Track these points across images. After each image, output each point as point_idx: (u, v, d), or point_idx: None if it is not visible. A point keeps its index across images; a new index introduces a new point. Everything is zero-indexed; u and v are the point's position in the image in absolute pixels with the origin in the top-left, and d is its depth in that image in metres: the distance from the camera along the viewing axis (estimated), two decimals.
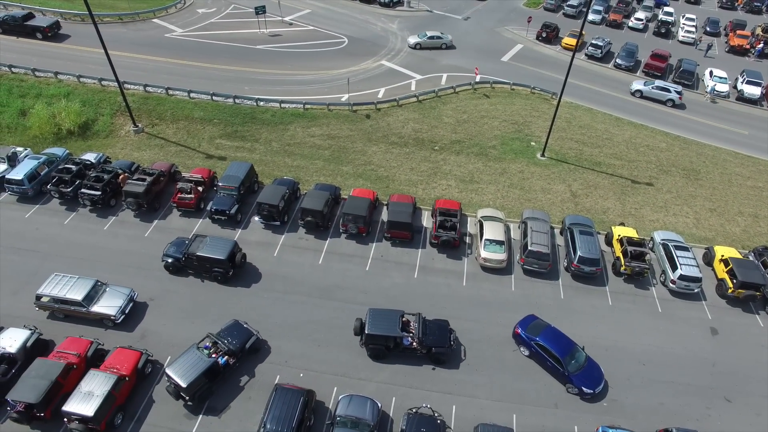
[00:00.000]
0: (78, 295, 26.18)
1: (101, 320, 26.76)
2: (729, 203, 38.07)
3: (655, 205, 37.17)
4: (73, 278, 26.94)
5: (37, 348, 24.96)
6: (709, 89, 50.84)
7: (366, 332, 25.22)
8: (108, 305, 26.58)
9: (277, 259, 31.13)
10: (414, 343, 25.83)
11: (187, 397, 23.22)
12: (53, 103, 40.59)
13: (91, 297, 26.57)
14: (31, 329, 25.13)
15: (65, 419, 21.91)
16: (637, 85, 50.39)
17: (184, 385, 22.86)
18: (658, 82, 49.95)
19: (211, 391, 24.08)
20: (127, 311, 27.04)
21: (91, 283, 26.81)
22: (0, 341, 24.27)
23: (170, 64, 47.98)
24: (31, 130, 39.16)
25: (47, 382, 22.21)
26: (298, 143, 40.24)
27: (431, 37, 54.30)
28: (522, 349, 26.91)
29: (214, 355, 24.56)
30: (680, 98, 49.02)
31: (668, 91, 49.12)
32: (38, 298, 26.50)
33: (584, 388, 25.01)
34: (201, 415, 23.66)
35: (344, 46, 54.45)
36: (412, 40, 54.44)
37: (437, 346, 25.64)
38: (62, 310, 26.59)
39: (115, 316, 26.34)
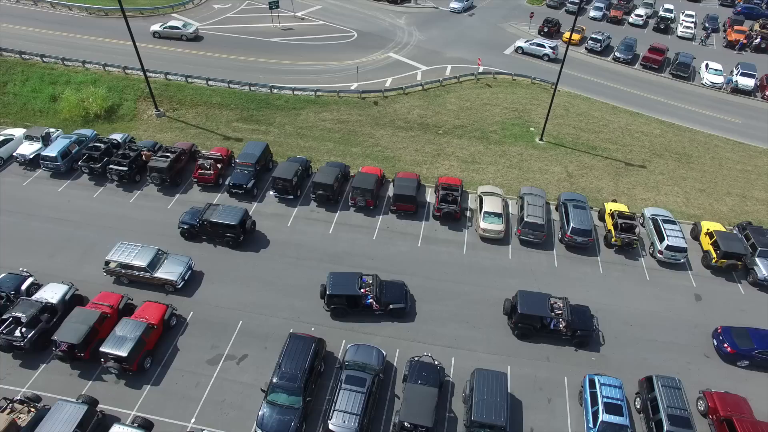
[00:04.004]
0: (143, 261, 28.38)
1: (163, 285, 28.97)
2: (718, 185, 40.02)
3: (647, 185, 39.22)
4: (137, 246, 29.13)
5: (74, 301, 27.50)
6: (727, 81, 53.35)
7: (519, 312, 26.79)
8: (170, 271, 28.74)
9: (291, 229, 33.54)
10: (561, 326, 27.42)
11: (326, 303, 27.72)
12: (81, 89, 43.40)
13: (154, 263, 28.73)
14: (68, 284, 27.70)
15: (102, 359, 24.37)
16: (519, 42, 57.17)
17: (328, 292, 27.32)
18: (536, 40, 56.94)
19: (345, 312, 27.84)
20: (186, 278, 29.26)
21: (154, 251, 29.02)
22: (42, 294, 26.89)
23: (189, 55, 50.74)
24: (61, 113, 42.07)
25: (86, 326, 24.72)
26: (310, 127, 42.77)
27: (170, 27, 52.50)
28: (740, 362, 27.15)
29: (365, 291, 27.71)
30: (554, 53, 55.36)
31: (543, 47, 55.72)
32: (107, 263, 28.73)
33: None
34: (221, 362, 26.06)
35: (354, 39, 57.00)
36: (152, 28, 52.94)
37: (583, 329, 27.17)
38: (128, 275, 28.83)
39: (176, 282, 28.57)
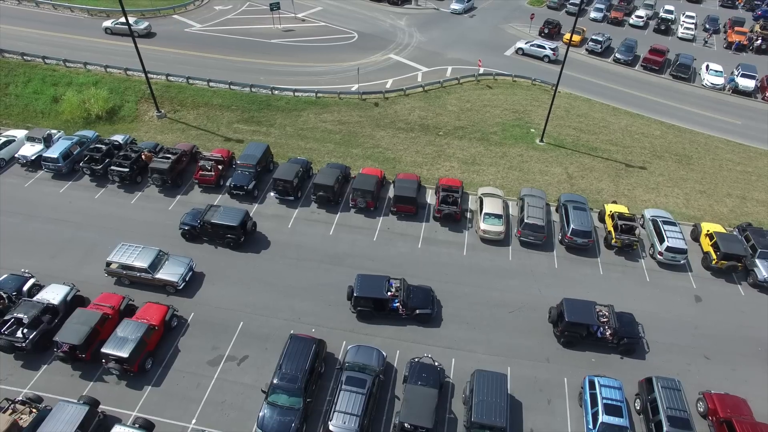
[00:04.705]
0: (144, 262, 28.44)
1: (164, 286, 29.04)
2: (718, 186, 40.05)
3: (648, 186, 39.27)
4: (139, 247, 29.20)
5: (75, 302, 27.54)
6: (729, 81, 53.80)
7: (566, 320, 26.83)
8: (171, 272, 28.80)
9: (291, 230, 33.62)
10: (608, 333, 27.34)
11: (352, 305, 27.81)
12: (83, 91, 43.55)
13: (155, 264, 28.78)
14: (69, 285, 27.77)
15: (103, 360, 24.45)
16: (520, 44, 57.21)
17: (355, 294, 27.40)
18: (537, 41, 56.99)
19: (371, 315, 27.93)
20: (187, 279, 29.34)
21: (155, 252, 29.07)
22: (44, 295, 26.95)
23: (190, 56, 50.88)
24: (63, 114, 42.24)
25: (87, 327, 24.78)
26: (311, 128, 42.88)
27: (122, 23, 52.37)
28: None
29: (392, 295, 27.78)
30: (554, 54, 55.43)
31: (544, 48, 55.86)
32: (108, 264, 28.82)
33: None
34: (222, 363, 26.12)
35: (354, 40, 57.11)
36: (104, 24, 53.88)
37: (629, 336, 27.13)
38: (129, 276, 28.91)
39: (177, 283, 28.61)
